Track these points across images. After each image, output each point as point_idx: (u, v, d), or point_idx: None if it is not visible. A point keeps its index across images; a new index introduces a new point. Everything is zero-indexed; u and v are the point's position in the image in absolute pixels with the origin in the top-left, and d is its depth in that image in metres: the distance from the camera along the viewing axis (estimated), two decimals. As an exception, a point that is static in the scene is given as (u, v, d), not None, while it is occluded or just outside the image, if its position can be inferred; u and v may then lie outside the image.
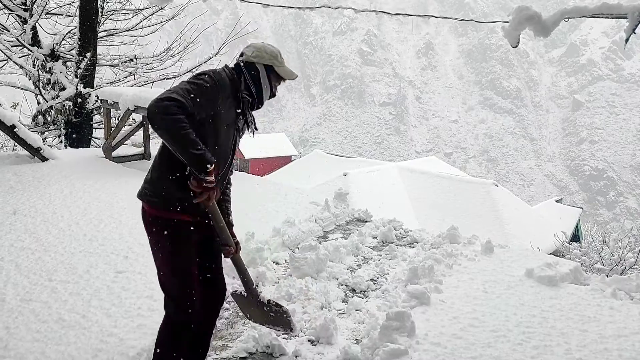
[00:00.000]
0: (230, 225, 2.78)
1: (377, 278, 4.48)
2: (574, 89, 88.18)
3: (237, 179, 6.99)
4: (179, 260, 2.56)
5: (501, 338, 3.14)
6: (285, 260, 4.67)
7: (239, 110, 2.64)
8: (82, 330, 3.13)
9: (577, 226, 21.44)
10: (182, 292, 2.56)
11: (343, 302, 3.95)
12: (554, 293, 3.79)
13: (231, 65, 2.79)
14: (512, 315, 3.43)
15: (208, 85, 2.48)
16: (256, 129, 2.84)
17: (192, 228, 2.55)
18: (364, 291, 4.21)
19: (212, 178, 2.36)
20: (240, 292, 3.08)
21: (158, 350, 2.57)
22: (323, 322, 3.44)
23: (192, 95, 2.41)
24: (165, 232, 2.54)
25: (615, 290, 3.82)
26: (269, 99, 2.80)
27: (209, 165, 2.32)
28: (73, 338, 3.05)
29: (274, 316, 3.02)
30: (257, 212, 5.58)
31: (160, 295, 3.55)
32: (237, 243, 2.79)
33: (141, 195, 2.65)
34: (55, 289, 3.60)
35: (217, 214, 2.55)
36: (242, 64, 2.74)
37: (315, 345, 3.38)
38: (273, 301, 3.06)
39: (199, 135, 2.36)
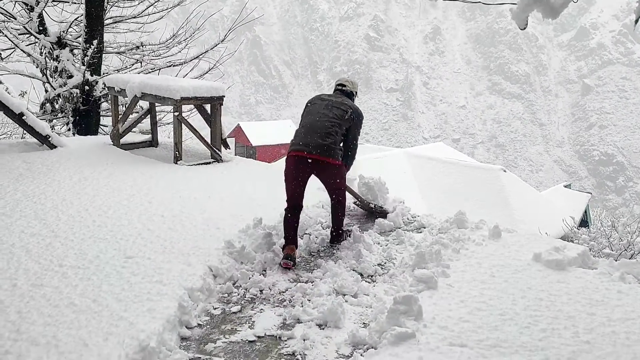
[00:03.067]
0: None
1: (385, 263, 4.49)
2: (584, 73, 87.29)
3: (245, 165, 7.02)
4: None
5: (508, 321, 3.15)
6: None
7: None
8: (93, 314, 3.18)
9: (585, 211, 21.35)
10: None
11: (350, 286, 3.96)
12: (562, 277, 3.79)
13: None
14: (519, 299, 3.44)
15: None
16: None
17: None
18: (372, 276, 4.23)
19: None
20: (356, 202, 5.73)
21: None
22: (331, 306, 3.46)
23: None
24: None
25: (623, 273, 3.81)
26: None
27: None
28: (84, 322, 3.09)
29: (378, 210, 5.58)
30: (265, 198, 5.60)
31: (169, 281, 3.61)
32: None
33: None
34: (66, 274, 3.64)
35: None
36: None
37: (323, 329, 3.41)
38: (377, 205, 5.65)
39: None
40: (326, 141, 4.46)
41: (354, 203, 5.76)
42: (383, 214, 5.53)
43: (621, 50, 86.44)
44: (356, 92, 5.10)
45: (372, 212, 5.64)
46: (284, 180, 4.60)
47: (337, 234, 4.86)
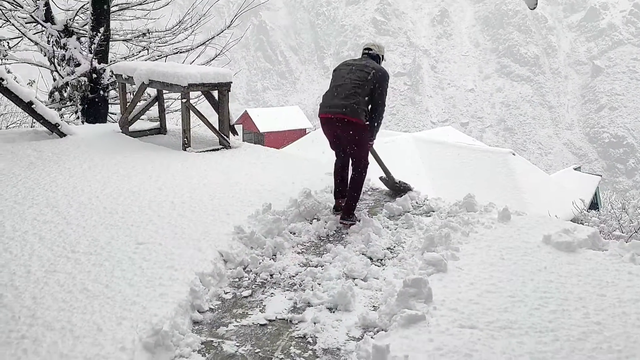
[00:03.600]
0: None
1: (394, 247, 4.50)
2: (594, 55, 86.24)
3: (253, 151, 7.04)
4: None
5: (518, 303, 3.16)
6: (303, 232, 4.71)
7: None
8: (106, 299, 3.22)
9: (595, 194, 21.23)
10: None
11: (360, 270, 3.98)
12: (572, 259, 3.79)
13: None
14: (529, 281, 3.44)
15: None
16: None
17: None
18: (381, 259, 4.24)
19: None
20: (382, 177, 5.94)
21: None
22: (341, 290, 3.49)
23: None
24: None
25: (634, 255, 3.80)
26: None
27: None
28: (97, 307, 3.13)
29: (402, 187, 5.78)
30: (273, 184, 5.62)
31: (180, 266, 3.65)
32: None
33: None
34: (79, 260, 3.68)
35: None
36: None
37: (333, 312, 3.43)
38: (402, 181, 5.85)
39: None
40: (348, 101, 4.68)
41: (380, 178, 5.95)
42: (406, 190, 5.76)
43: (632, 30, 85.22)
44: (383, 56, 5.22)
45: (396, 189, 5.84)
46: None
47: (347, 209, 4.91)
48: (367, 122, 4.80)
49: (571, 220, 10.24)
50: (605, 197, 20.22)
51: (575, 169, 25.65)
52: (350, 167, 5.04)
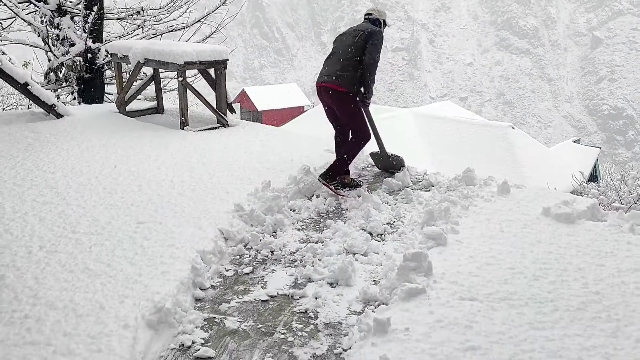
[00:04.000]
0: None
1: (394, 222, 4.51)
2: (593, 26, 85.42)
3: (251, 129, 7.01)
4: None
5: (517, 275, 3.18)
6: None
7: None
8: (108, 278, 3.23)
9: (595, 166, 21.23)
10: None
11: (360, 245, 4.00)
12: (571, 230, 3.80)
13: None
14: (528, 253, 3.46)
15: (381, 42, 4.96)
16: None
17: None
18: (381, 234, 4.26)
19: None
20: (375, 152, 5.77)
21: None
22: (341, 265, 3.51)
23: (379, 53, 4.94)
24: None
25: (633, 225, 3.81)
26: None
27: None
28: (100, 286, 3.15)
29: (395, 162, 5.63)
30: (272, 161, 5.61)
31: (181, 244, 3.66)
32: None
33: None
34: (80, 240, 3.69)
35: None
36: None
37: (334, 287, 3.46)
38: (395, 154, 5.67)
39: None
40: (336, 68, 4.83)
41: (371, 154, 5.88)
42: (399, 166, 5.64)
43: (632, 0, 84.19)
44: (384, 21, 5.22)
45: (388, 166, 5.73)
46: None
47: (330, 169, 4.97)
48: (356, 89, 4.84)
49: (570, 193, 10.25)
50: (605, 169, 20.21)
51: (574, 142, 25.58)
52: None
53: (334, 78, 4.84)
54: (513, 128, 18.93)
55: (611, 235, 3.70)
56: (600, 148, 25.47)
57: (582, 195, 10.32)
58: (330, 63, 4.95)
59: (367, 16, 5.22)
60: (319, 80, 5.01)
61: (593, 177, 19.79)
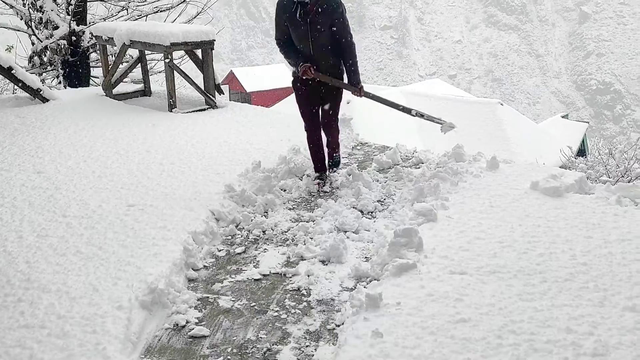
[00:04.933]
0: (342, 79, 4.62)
1: (384, 199, 4.54)
2: (581, 0, 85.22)
3: (240, 110, 6.97)
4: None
5: (507, 248, 3.22)
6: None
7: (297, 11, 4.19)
8: (100, 261, 3.24)
9: (583, 141, 21.38)
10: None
11: (351, 223, 4.02)
12: (559, 203, 3.84)
13: None
14: (517, 227, 3.50)
15: (276, 12, 4.36)
16: (308, 17, 4.19)
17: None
18: (372, 212, 4.28)
19: (303, 70, 4.33)
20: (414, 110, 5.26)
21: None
22: (333, 243, 3.53)
23: (276, 26, 4.47)
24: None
25: (619, 197, 3.86)
26: None
27: (298, 68, 4.35)
28: (92, 269, 3.16)
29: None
30: (262, 142, 5.60)
31: (172, 226, 3.66)
32: (360, 87, 4.57)
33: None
34: (70, 224, 3.69)
35: (322, 77, 4.42)
36: None
37: (326, 264, 3.49)
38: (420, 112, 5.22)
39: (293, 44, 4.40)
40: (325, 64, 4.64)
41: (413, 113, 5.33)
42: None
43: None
44: None
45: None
46: None
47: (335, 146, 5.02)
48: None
49: (559, 168, 10.32)
50: (593, 143, 20.37)
51: (562, 117, 25.71)
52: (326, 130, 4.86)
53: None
54: (502, 105, 18.97)
55: (598, 207, 3.75)
56: (588, 123, 25.64)
57: (570, 170, 10.41)
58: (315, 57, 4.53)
59: None
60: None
61: (581, 151, 19.94)
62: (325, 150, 4.91)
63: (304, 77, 4.40)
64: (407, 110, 5.03)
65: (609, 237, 3.32)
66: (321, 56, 4.37)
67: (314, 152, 4.80)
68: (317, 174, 4.85)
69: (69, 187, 4.31)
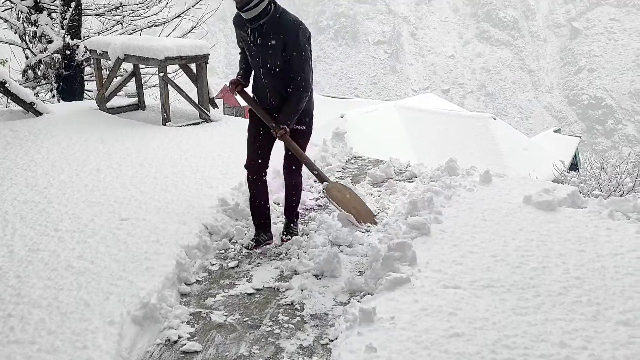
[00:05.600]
0: (275, 114, 3.63)
1: (378, 213, 4.54)
2: (572, 16, 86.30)
3: (234, 124, 6.98)
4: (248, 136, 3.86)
5: (500, 262, 3.22)
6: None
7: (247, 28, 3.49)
8: (92, 275, 3.21)
9: (575, 155, 21.49)
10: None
11: (345, 237, 4.00)
12: (552, 217, 3.85)
13: None
14: (510, 241, 3.50)
15: (233, 24, 3.66)
16: (259, 40, 3.45)
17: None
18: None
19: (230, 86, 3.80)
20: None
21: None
22: (327, 257, 3.52)
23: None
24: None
25: (612, 211, 3.88)
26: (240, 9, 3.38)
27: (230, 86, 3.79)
28: (84, 283, 3.13)
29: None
30: (256, 155, 5.59)
31: (165, 240, 3.64)
32: (282, 127, 3.54)
33: None
34: (62, 238, 3.66)
35: (247, 99, 3.75)
36: None
37: (320, 279, 3.47)
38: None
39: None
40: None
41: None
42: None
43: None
44: None
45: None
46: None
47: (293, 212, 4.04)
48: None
49: (552, 182, 10.36)
50: (585, 158, 20.48)
51: (555, 132, 25.86)
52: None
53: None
54: (494, 119, 19.08)
55: (591, 221, 3.76)
56: (580, 137, 25.80)
57: (563, 184, 10.46)
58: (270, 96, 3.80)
59: None
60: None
61: (574, 166, 20.04)
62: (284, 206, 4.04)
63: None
64: (320, 179, 3.80)
65: (601, 251, 3.33)
66: (273, 88, 3.58)
67: (253, 204, 3.88)
68: (256, 233, 3.91)
69: (61, 201, 4.28)
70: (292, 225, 4.04)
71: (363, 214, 3.84)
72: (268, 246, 3.90)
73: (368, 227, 3.85)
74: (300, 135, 3.75)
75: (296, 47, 3.39)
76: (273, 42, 3.39)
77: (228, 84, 3.85)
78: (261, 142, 3.77)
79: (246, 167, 3.85)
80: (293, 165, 3.83)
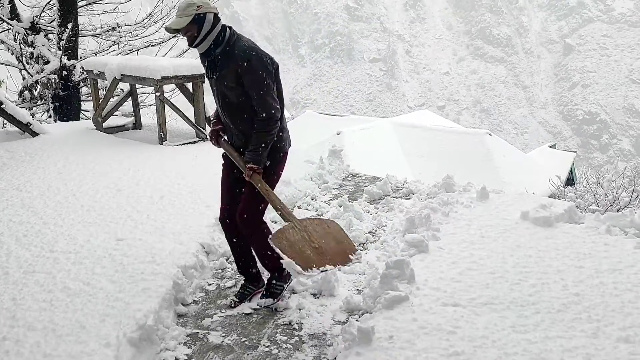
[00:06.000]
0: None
1: (375, 230, 4.53)
2: (565, 33, 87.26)
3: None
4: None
5: (499, 279, 3.21)
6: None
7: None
8: (88, 297, 3.18)
9: (571, 170, 21.55)
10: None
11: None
12: (550, 233, 3.85)
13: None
14: (509, 257, 3.49)
15: None
16: (215, 72, 3.16)
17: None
18: (363, 243, 4.27)
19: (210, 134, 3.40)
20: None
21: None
22: (324, 275, 3.49)
23: None
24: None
25: (609, 226, 3.88)
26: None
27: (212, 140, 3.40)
28: (80, 305, 3.10)
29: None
30: (253, 174, 5.59)
31: (161, 260, 3.61)
32: (249, 167, 3.13)
33: None
34: (58, 260, 3.63)
35: (226, 148, 3.35)
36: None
37: (318, 298, 3.45)
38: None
39: None
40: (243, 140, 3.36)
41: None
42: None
43: (601, 7, 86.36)
44: (215, 14, 3.13)
45: None
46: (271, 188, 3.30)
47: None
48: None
49: (548, 197, 10.37)
50: (581, 173, 20.54)
51: (550, 147, 25.95)
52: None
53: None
54: (490, 135, 19.15)
55: (589, 237, 3.76)
56: (575, 152, 25.90)
57: (559, 199, 10.47)
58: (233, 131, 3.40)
59: (191, 13, 3.02)
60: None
61: (570, 181, 20.09)
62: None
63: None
64: (284, 217, 3.21)
65: (600, 266, 3.32)
66: (234, 123, 3.23)
67: (233, 254, 3.48)
68: (242, 285, 3.48)
69: (57, 222, 4.26)
70: (273, 282, 3.37)
71: (332, 253, 3.06)
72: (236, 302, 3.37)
73: (328, 269, 3.00)
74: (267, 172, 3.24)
75: (251, 77, 3.02)
76: (227, 73, 3.07)
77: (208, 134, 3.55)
78: (231, 185, 3.40)
79: (220, 218, 3.43)
80: (245, 213, 3.22)
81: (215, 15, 3.09)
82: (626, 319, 2.74)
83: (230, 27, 3.18)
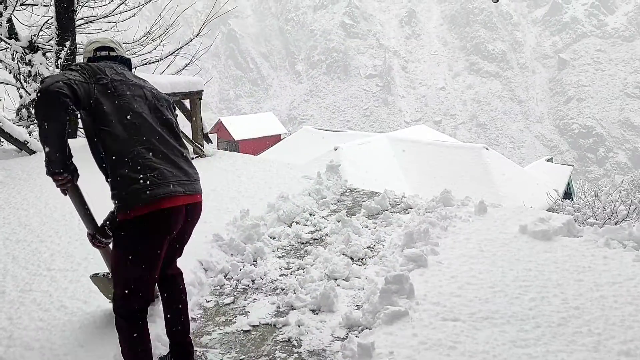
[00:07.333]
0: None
1: (374, 245, 4.52)
2: (559, 48, 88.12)
3: (228, 158, 6.99)
4: None
5: (499, 293, 3.20)
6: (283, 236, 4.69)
7: None
8: (85, 315, 3.16)
9: (568, 183, 21.63)
10: None
11: (342, 270, 3.98)
12: (548, 246, 3.85)
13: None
14: (508, 271, 3.49)
15: None
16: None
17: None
18: (362, 259, 4.25)
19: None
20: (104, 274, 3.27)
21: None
22: (323, 291, 3.48)
23: None
24: None
25: (608, 239, 3.88)
26: None
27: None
28: (77, 324, 3.07)
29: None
30: (250, 189, 5.59)
31: (160, 277, 3.57)
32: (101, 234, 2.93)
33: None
34: (55, 278, 3.61)
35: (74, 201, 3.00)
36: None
37: (317, 314, 3.43)
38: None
39: None
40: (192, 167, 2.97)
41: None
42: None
43: (594, 22, 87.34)
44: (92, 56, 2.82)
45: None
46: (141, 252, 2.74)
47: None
48: None
49: (546, 210, 10.38)
50: (578, 186, 20.60)
51: (547, 161, 26.08)
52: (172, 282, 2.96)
53: (198, 182, 2.95)
54: (487, 149, 19.24)
55: (588, 250, 3.76)
56: (572, 166, 26.02)
57: (557, 213, 10.48)
58: (177, 157, 2.77)
59: (112, 52, 2.82)
60: (176, 193, 2.69)
61: (567, 194, 20.15)
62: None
63: None
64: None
65: (599, 280, 3.31)
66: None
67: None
68: None
69: (54, 240, 4.24)
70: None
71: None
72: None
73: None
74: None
75: None
76: None
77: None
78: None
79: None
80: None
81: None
82: (627, 332, 2.73)
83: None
